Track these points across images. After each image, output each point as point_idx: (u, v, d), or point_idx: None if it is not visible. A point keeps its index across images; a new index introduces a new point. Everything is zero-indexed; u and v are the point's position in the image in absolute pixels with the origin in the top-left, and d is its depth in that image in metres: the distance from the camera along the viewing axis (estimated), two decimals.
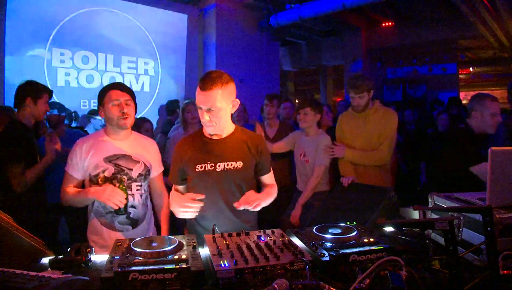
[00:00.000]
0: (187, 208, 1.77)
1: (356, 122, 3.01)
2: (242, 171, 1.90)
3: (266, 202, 1.90)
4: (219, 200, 1.90)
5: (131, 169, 2.05)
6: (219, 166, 1.87)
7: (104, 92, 2.04)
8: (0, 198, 2.45)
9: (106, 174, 1.99)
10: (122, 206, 1.88)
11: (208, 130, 1.90)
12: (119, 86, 2.06)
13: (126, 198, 1.90)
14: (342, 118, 3.17)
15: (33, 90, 2.69)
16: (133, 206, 2.05)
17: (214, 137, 1.91)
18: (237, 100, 1.88)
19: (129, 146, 2.09)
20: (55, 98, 5.57)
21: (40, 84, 2.78)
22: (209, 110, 1.79)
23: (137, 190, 2.06)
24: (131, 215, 2.04)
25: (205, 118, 1.81)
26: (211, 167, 1.87)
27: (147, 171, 2.12)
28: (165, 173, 2.25)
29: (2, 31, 5.29)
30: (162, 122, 5.80)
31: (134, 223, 2.06)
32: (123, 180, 1.99)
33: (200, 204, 1.78)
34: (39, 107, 2.68)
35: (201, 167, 1.87)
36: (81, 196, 1.99)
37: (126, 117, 2.01)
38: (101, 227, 2.03)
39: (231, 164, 1.88)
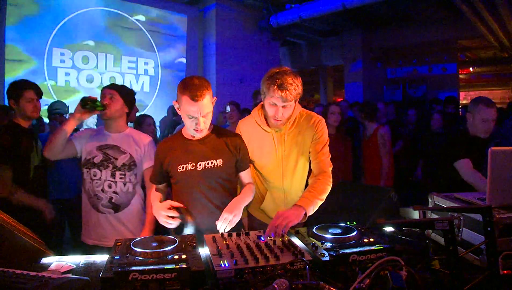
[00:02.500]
0: (168, 220, 1.80)
1: (270, 142, 2.08)
2: (223, 169, 1.93)
3: (248, 201, 1.99)
4: (202, 198, 1.93)
5: (117, 159, 2.27)
6: (200, 165, 1.90)
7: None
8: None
9: (95, 160, 2.25)
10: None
11: (198, 135, 1.92)
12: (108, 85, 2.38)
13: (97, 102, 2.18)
14: (247, 136, 2.11)
15: (12, 91, 2.60)
16: (115, 192, 2.26)
17: (194, 138, 1.95)
18: (214, 97, 1.93)
19: (121, 139, 2.32)
20: (55, 98, 5.59)
21: (20, 82, 2.65)
22: (203, 117, 1.83)
23: (120, 178, 2.27)
24: (112, 200, 2.26)
25: (202, 125, 1.84)
26: (192, 167, 1.90)
27: (132, 162, 2.30)
28: None
29: (2, 31, 5.29)
30: (168, 122, 5.83)
31: (116, 207, 2.27)
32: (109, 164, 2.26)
33: (176, 214, 1.82)
34: (22, 106, 2.58)
35: (183, 168, 1.91)
36: None
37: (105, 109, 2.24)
38: (90, 208, 2.28)
39: (212, 163, 1.91)
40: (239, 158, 1.98)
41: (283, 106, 1.91)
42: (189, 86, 1.78)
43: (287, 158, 2.07)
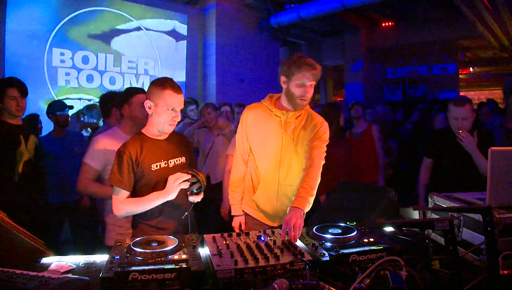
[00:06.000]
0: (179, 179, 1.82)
1: (276, 127, 2.13)
2: (186, 165, 2.06)
3: None
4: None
5: None
6: (170, 162, 2.00)
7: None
8: None
9: None
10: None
11: (169, 130, 1.98)
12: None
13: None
14: (252, 120, 2.20)
15: None
16: None
17: (159, 137, 2.00)
18: None
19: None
20: (55, 98, 5.59)
21: (5, 80, 2.64)
22: (179, 111, 1.94)
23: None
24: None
25: (178, 118, 1.95)
26: (165, 165, 1.97)
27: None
28: None
29: (2, 31, 5.29)
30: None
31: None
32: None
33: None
34: (6, 103, 2.54)
35: (157, 166, 1.95)
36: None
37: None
38: None
39: (179, 160, 2.03)
40: (191, 156, 2.16)
41: (310, 85, 2.04)
42: (169, 82, 1.91)
43: (287, 146, 2.11)
